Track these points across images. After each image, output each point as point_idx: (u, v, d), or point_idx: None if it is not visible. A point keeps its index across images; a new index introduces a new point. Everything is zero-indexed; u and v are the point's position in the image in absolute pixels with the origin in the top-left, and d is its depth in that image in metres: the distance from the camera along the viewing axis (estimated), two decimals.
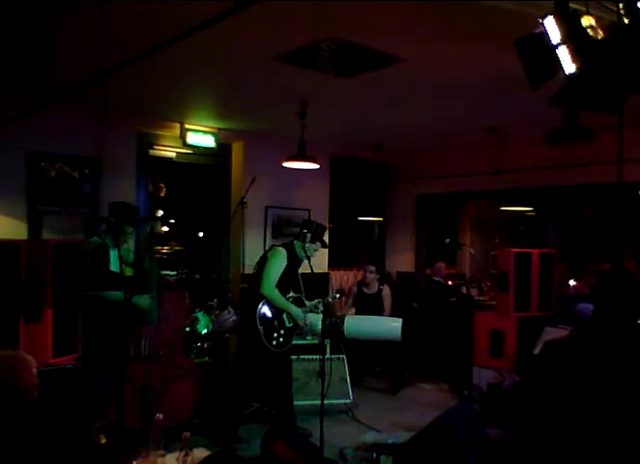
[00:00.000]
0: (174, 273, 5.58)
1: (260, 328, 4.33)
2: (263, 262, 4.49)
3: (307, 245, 4.56)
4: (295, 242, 4.62)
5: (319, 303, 4.62)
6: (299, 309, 4.54)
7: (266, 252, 4.61)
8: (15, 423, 1.85)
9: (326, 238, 7.49)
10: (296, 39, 3.62)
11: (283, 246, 4.59)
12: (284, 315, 4.50)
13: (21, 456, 1.78)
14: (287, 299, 4.53)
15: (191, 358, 4.86)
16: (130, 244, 4.62)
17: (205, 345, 5.13)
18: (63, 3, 3.09)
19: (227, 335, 5.42)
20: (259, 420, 4.96)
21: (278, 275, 4.42)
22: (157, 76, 4.42)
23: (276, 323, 4.44)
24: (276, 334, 4.42)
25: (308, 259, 4.56)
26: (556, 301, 5.87)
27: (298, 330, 4.65)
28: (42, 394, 2.36)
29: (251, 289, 4.53)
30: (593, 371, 2.19)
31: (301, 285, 4.68)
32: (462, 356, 6.13)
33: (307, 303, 4.65)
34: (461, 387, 6.00)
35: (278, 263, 4.44)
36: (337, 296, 4.88)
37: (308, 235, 4.55)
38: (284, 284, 4.50)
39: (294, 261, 4.57)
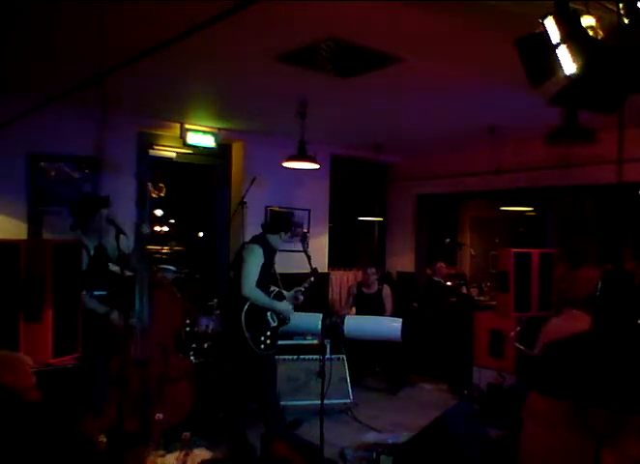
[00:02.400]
0: (174, 268, 5.56)
1: (247, 334, 4.22)
2: (239, 262, 4.33)
3: (281, 235, 4.43)
4: (267, 235, 4.44)
5: (297, 292, 4.54)
6: (283, 303, 4.44)
7: (240, 251, 4.43)
8: (8, 424, 1.85)
9: (325, 238, 7.62)
10: (296, 39, 3.62)
11: (255, 241, 4.44)
12: (268, 314, 4.40)
13: (14, 456, 1.78)
14: (269, 294, 4.43)
15: (189, 358, 4.83)
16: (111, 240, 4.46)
17: (205, 345, 5.13)
18: (63, 3, 3.09)
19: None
20: (257, 420, 4.95)
21: (257, 273, 4.28)
22: (157, 76, 4.42)
23: (262, 325, 4.34)
24: (263, 338, 4.32)
25: (309, 258, 4.45)
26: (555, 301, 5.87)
27: (283, 325, 4.54)
28: (42, 394, 2.36)
29: (232, 292, 4.36)
30: (593, 371, 2.19)
31: (278, 279, 4.60)
32: (462, 356, 6.13)
33: (286, 294, 4.56)
34: (461, 387, 6.00)
35: (256, 260, 4.28)
36: (312, 279, 4.63)
37: (282, 229, 4.43)
38: (264, 280, 4.37)
39: (270, 254, 4.43)
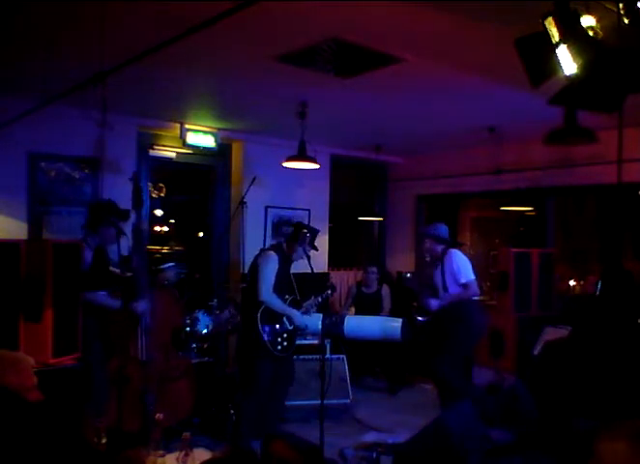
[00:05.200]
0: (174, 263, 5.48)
1: (265, 338, 4.27)
2: (255, 268, 4.42)
3: (303, 247, 4.48)
4: (284, 244, 4.54)
5: (314, 301, 4.59)
6: (298, 313, 4.50)
7: (256, 258, 4.51)
8: (9, 424, 1.86)
9: (325, 238, 7.61)
10: (296, 39, 3.62)
11: (272, 248, 4.54)
12: (285, 318, 4.45)
13: (15, 456, 1.78)
14: (284, 301, 4.48)
15: (188, 357, 4.82)
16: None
17: (205, 345, 5.13)
18: (64, 3, 3.09)
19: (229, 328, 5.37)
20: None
21: (273, 279, 4.35)
22: (157, 76, 4.42)
23: (277, 327, 4.39)
24: (280, 339, 4.37)
25: (308, 258, 4.49)
26: (556, 301, 5.88)
27: (299, 330, 4.60)
28: (42, 394, 2.36)
29: (249, 297, 4.44)
30: (593, 370, 2.20)
31: (294, 286, 4.63)
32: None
33: (303, 303, 4.61)
34: None
35: (271, 266, 4.36)
36: (329, 292, 4.75)
37: (303, 238, 4.48)
38: (280, 287, 4.43)
39: (286, 262, 4.50)
